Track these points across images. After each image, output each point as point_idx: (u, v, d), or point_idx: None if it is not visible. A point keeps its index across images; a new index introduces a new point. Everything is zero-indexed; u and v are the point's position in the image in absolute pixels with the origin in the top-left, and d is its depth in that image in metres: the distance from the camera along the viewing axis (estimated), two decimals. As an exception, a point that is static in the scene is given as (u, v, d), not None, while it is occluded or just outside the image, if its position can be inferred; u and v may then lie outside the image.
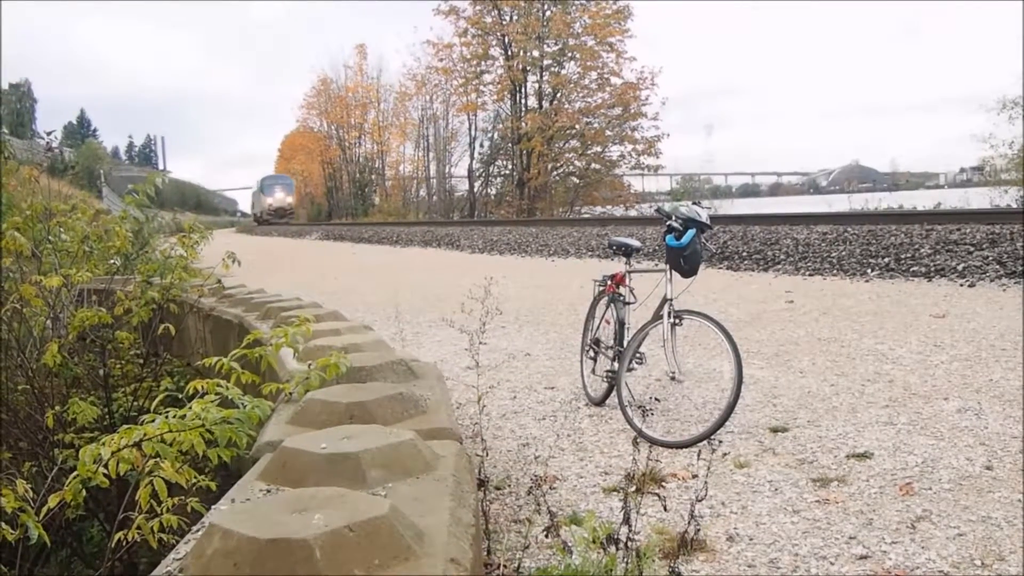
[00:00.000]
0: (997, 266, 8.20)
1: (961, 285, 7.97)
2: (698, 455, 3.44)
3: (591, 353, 4.79)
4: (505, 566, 2.57)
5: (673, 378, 4.28)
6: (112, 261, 6.59)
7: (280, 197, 60.86)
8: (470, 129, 46.34)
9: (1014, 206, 19.00)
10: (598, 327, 4.78)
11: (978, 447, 3.53)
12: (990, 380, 4.57)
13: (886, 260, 9.33)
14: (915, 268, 8.85)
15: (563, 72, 40.90)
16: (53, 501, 2.42)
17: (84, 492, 2.43)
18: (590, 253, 14.46)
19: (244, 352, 3.04)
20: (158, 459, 2.39)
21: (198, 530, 1.80)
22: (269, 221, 58.21)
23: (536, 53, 40.62)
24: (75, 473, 2.38)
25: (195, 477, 2.62)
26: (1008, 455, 3.41)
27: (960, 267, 8.46)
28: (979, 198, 22.22)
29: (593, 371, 4.75)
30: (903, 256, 9.28)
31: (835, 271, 9.55)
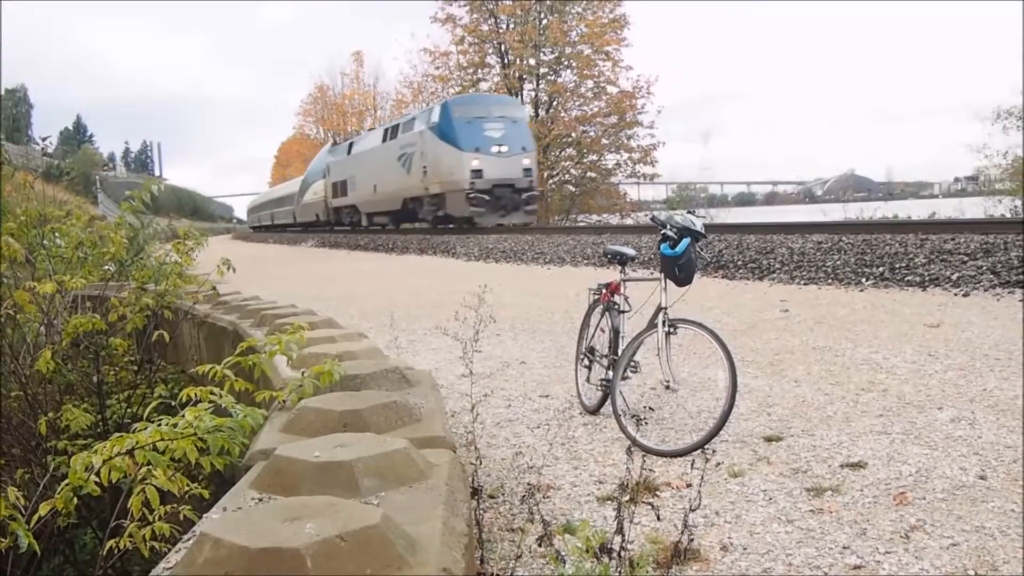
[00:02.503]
0: (991, 276, 8.22)
1: (955, 295, 7.99)
2: (692, 464, 3.43)
3: (586, 361, 4.79)
4: (498, 575, 2.56)
5: (668, 387, 4.28)
6: (107, 267, 6.58)
7: (508, 156, 24.34)
8: (467, 137, 46.33)
9: (1008, 216, 19.08)
10: (593, 335, 4.78)
11: (972, 457, 3.53)
12: (984, 390, 4.57)
13: (881, 269, 9.35)
14: (910, 277, 8.87)
15: (559, 80, 40.99)
16: (44, 509, 2.41)
17: (76, 500, 2.42)
18: (585, 261, 14.47)
19: (238, 360, 3.04)
20: (150, 467, 2.38)
21: (189, 538, 1.79)
22: (467, 218, 24.13)
23: (532, 61, 40.72)
24: (66, 481, 2.37)
25: (188, 485, 2.61)
26: (1002, 465, 3.41)
27: (954, 276, 8.48)
28: (974, 208, 22.33)
29: (588, 379, 4.74)
30: (898, 265, 9.30)
31: (830, 280, 9.56)
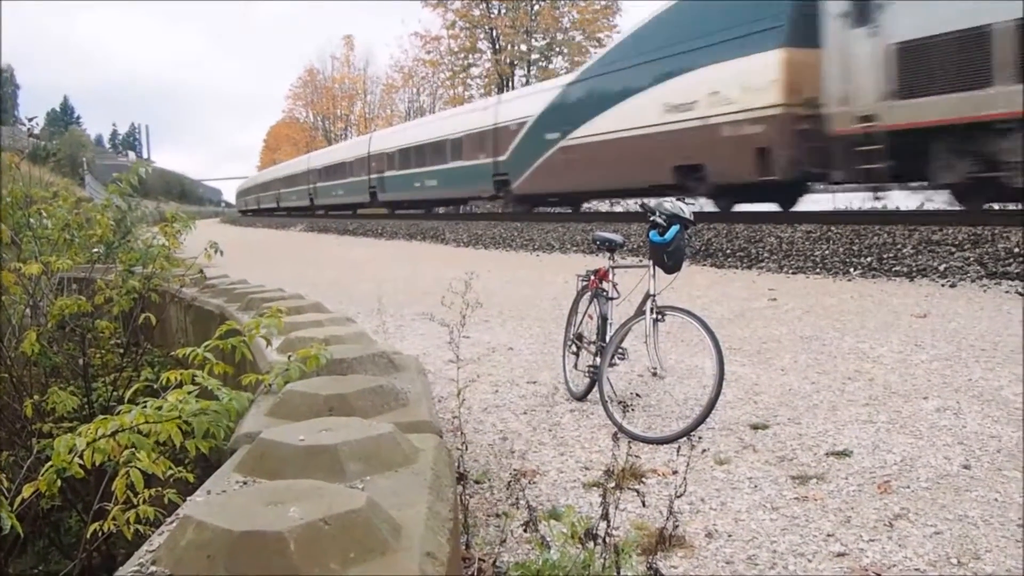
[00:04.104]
0: (978, 267, 8.25)
1: (943, 285, 8.02)
2: (678, 451, 3.44)
3: (573, 348, 4.79)
4: (483, 560, 2.56)
5: (655, 374, 4.28)
6: (94, 250, 6.53)
7: None
8: (457, 122, 46.21)
9: (995, 207, 19.16)
10: (581, 322, 4.77)
11: (956, 446, 3.55)
12: (969, 380, 4.60)
13: (869, 260, 9.38)
14: (897, 268, 8.90)
15: (551, 67, 40.88)
16: (28, 491, 2.39)
17: (59, 482, 2.40)
18: (575, 248, 14.47)
19: (218, 343, 3.03)
20: (134, 450, 2.37)
21: (172, 521, 1.78)
22: None
23: (524, 47, 40.62)
24: (50, 463, 2.35)
25: (172, 468, 2.60)
26: (986, 455, 3.43)
27: (942, 267, 8.52)
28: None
29: (575, 366, 4.74)
30: (886, 256, 9.33)
31: (818, 270, 9.59)
